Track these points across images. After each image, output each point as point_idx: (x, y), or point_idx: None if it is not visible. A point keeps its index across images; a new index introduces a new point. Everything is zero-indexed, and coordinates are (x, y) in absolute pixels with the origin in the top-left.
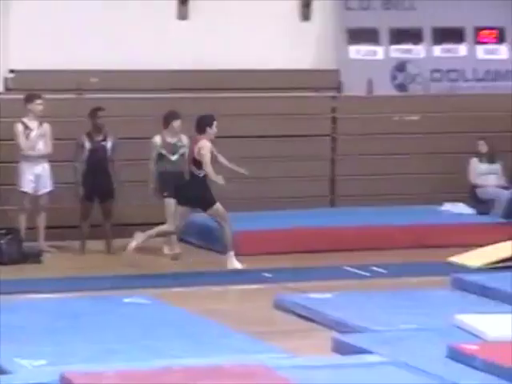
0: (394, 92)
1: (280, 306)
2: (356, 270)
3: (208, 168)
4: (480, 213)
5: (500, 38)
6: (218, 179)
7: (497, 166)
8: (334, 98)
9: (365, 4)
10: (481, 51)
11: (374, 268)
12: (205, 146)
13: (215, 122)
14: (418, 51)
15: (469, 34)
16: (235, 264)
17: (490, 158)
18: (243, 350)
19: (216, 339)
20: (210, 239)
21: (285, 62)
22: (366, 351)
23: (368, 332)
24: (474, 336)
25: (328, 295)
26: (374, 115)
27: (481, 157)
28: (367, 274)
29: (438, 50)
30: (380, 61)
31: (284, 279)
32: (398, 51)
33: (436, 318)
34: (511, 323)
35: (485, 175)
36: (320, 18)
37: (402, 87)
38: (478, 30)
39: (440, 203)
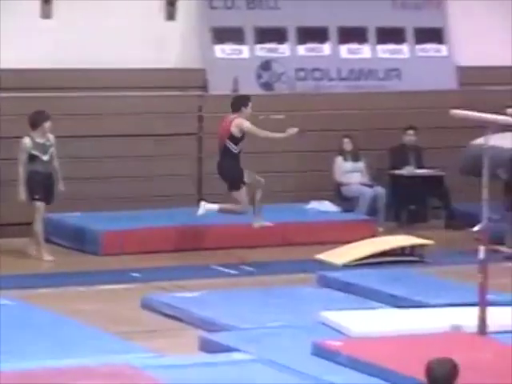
0: (259, 91)
1: (147, 306)
2: (223, 269)
3: (264, 133)
4: (345, 210)
5: (363, 38)
6: (287, 133)
7: (361, 164)
8: (200, 96)
9: (229, 3)
10: (344, 51)
11: (242, 266)
12: (244, 121)
13: (250, 103)
14: (282, 50)
15: (332, 33)
16: (208, 206)
17: (354, 156)
18: (110, 350)
19: (83, 340)
20: (79, 240)
21: (150, 61)
22: (232, 349)
23: (235, 330)
24: (339, 332)
25: (195, 294)
26: None
27: (345, 155)
28: (235, 273)
29: (302, 50)
30: (245, 60)
31: (152, 279)
32: (263, 50)
33: (302, 316)
34: (374, 319)
35: (349, 173)
36: (185, 17)
37: (267, 86)
38: (342, 29)
39: (306, 201)
